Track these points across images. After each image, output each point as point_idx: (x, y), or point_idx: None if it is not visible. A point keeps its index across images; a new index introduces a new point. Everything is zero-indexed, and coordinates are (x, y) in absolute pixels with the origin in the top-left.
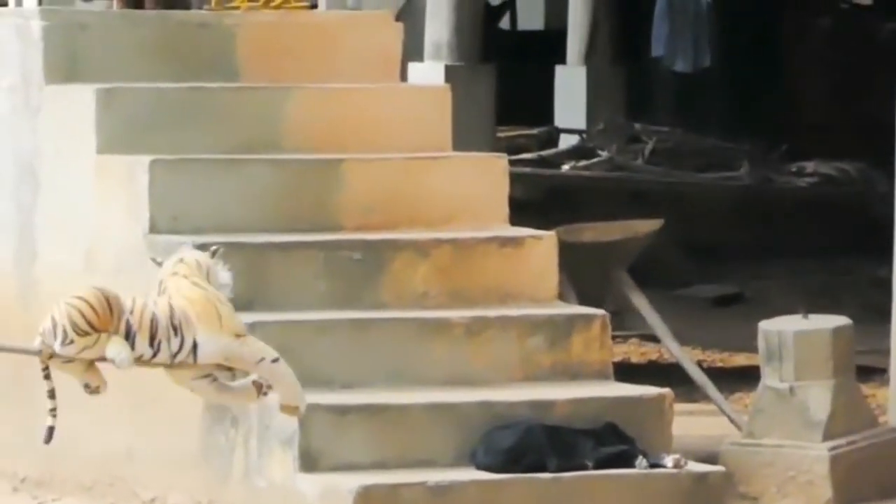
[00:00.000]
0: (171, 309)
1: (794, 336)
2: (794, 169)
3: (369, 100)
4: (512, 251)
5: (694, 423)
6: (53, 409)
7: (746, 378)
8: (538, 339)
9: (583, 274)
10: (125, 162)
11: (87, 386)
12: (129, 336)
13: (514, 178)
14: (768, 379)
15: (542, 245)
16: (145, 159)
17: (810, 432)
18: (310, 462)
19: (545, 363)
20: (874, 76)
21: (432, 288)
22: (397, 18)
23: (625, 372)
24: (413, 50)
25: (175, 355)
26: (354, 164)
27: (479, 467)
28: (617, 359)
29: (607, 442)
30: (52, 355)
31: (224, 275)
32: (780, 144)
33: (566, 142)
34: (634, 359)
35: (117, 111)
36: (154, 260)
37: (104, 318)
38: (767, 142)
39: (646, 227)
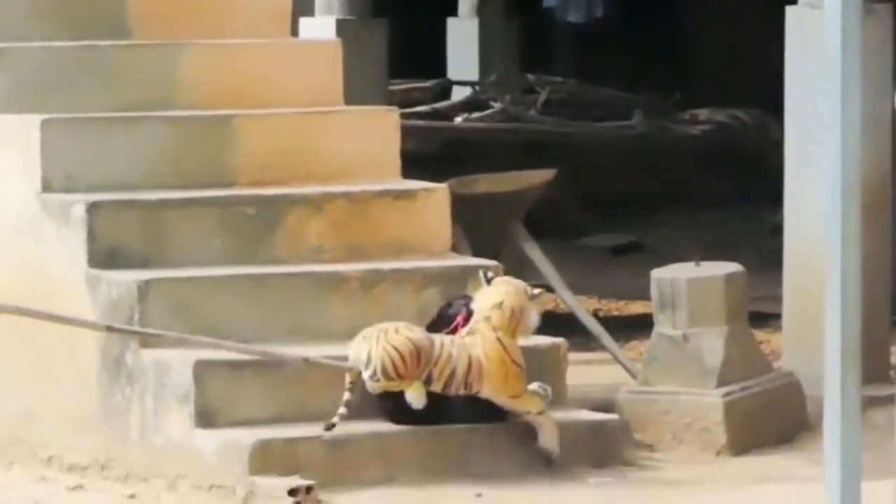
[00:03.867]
0: (470, 364)
1: (687, 283)
2: (686, 117)
3: (261, 56)
4: (405, 204)
5: (590, 372)
6: (343, 415)
7: (642, 326)
8: (433, 292)
9: (477, 225)
10: (18, 121)
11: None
12: (428, 382)
13: (408, 132)
14: (662, 327)
15: (435, 197)
16: (37, 118)
17: (704, 379)
18: (207, 418)
19: None
20: (767, 23)
21: (327, 242)
22: None
23: None
24: (304, 4)
25: (456, 395)
26: (247, 120)
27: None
28: None
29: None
30: (358, 375)
31: (534, 318)
32: (673, 93)
33: (459, 94)
34: None
35: (9, 71)
36: (484, 275)
37: (412, 369)
38: (662, 91)
39: (539, 177)
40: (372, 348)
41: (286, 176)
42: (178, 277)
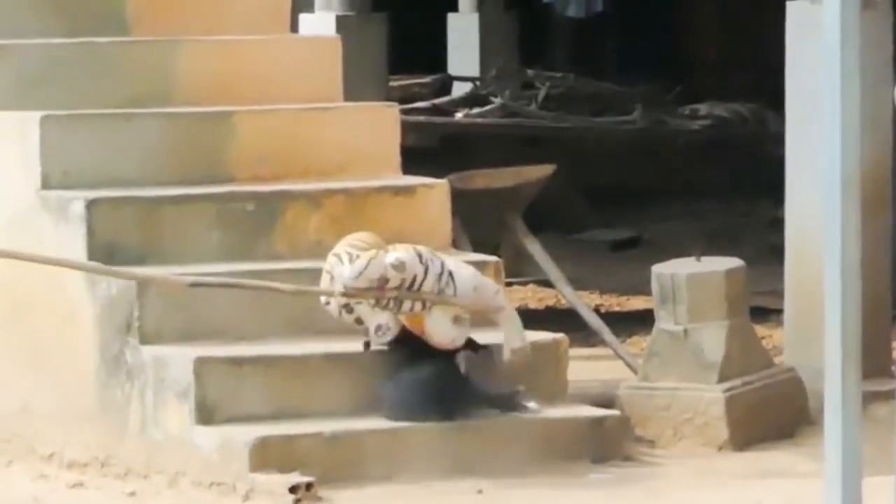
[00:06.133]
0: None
1: (687, 278)
2: (686, 111)
3: (260, 52)
4: (404, 200)
5: (590, 368)
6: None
7: (644, 321)
8: None
9: (476, 221)
10: (16, 118)
11: (378, 328)
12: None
13: (408, 127)
14: (662, 322)
15: (435, 193)
16: (36, 115)
17: (705, 374)
18: (206, 414)
19: None
20: (767, 17)
21: (326, 238)
22: None
23: (523, 317)
24: (304, 1)
25: (439, 288)
26: (245, 116)
27: (391, 418)
28: (514, 304)
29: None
30: (343, 292)
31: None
32: (673, 87)
33: (460, 89)
34: (532, 304)
35: (7, 67)
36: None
37: (374, 241)
38: (661, 85)
39: (538, 172)
40: (333, 253)
41: (285, 171)
42: (176, 273)
